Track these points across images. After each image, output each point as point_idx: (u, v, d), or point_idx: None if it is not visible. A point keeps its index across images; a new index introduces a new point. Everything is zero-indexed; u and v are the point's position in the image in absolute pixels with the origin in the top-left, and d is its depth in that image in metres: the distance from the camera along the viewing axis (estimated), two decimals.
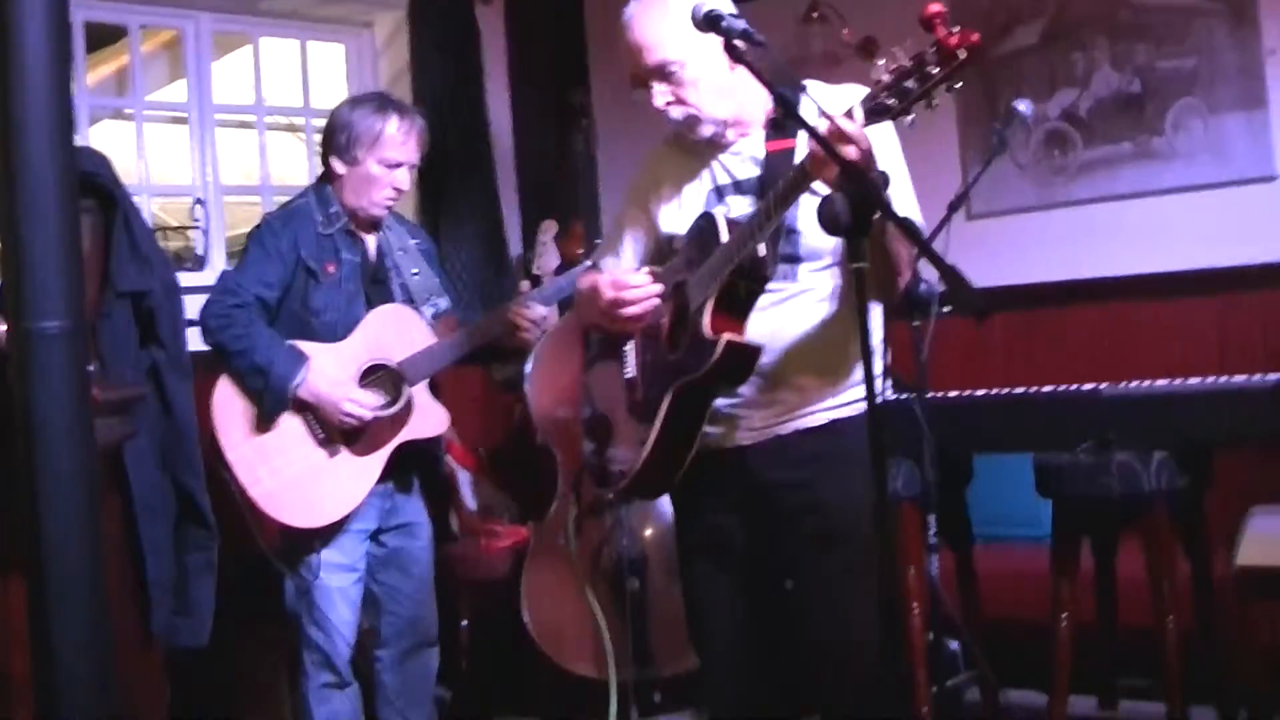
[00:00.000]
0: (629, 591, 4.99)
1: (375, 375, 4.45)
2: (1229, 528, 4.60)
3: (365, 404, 4.36)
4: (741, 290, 3.00)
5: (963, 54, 2.58)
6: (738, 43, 2.86)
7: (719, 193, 3.24)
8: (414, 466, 4.62)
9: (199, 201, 6.63)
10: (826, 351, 3.19)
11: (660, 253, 3.36)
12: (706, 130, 3.20)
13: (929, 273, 3.17)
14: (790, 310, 3.17)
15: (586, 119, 6.00)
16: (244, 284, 4.38)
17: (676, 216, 3.29)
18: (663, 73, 3.18)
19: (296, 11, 7.03)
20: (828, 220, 2.61)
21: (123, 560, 4.22)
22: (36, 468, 2.70)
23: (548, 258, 5.95)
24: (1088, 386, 4.37)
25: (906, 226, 2.66)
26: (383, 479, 4.44)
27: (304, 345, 4.36)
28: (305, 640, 4.44)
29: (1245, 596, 4.36)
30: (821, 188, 2.78)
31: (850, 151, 2.70)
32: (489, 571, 5.69)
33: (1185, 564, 4.55)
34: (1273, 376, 4.12)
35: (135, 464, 4.30)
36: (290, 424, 4.39)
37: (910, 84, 2.64)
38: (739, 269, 2.96)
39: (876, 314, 3.29)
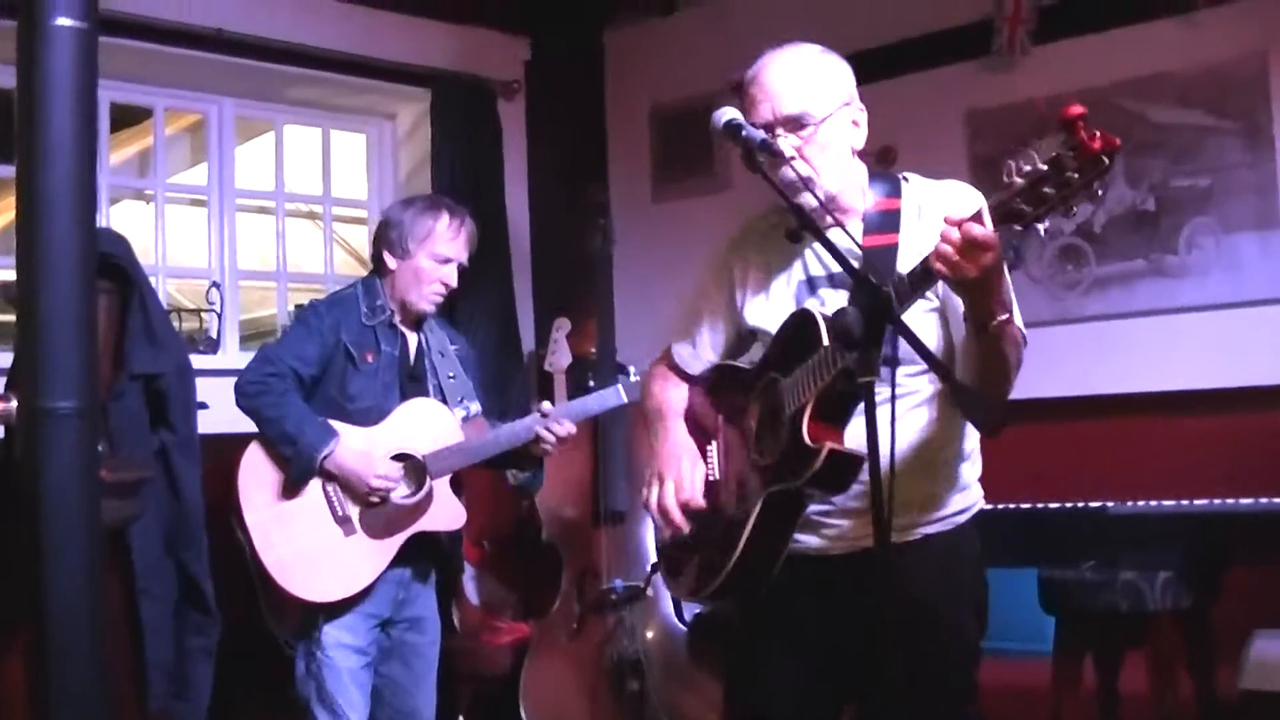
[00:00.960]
0: (628, 692, 4.96)
1: (400, 464, 4.47)
2: (1234, 648, 4.58)
3: (392, 477, 4.39)
4: (842, 394, 2.82)
5: (1105, 160, 2.38)
6: (759, 155, 2.83)
7: (810, 284, 3.08)
8: (429, 558, 4.62)
9: (215, 285, 6.67)
10: (922, 460, 3.05)
11: (741, 343, 3.26)
12: (813, 198, 2.96)
13: None
14: (886, 416, 3.00)
15: (604, 218, 6.02)
16: (283, 356, 4.45)
17: (763, 308, 3.14)
18: (798, 124, 3.01)
19: (320, 100, 7.10)
20: (839, 333, 2.58)
21: (122, 641, 4.21)
22: (42, 546, 2.70)
23: (560, 355, 5.96)
24: (1095, 503, 4.38)
25: (917, 342, 2.57)
26: (397, 565, 4.45)
27: (335, 424, 4.41)
28: None
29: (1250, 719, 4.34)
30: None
31: (987, 259, 2.53)
32: (489, 666, 5.66)
33: (1189, 683, 4.52)
34: None
35: (140, 545, 4.32)
36: (312, 497, 4.40)
37: (1048, 189, 2.43)
38: (843, 372, 2.75)
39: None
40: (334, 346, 4.47)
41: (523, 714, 5.16)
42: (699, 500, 3.08)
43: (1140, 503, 4.31)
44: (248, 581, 4.44)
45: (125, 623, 4.28)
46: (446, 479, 4.49)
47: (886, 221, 3.04)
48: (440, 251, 4.53)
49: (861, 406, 2.74)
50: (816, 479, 2.82)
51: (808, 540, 3.05)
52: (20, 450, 2.77)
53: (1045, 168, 2.43)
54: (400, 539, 4.42)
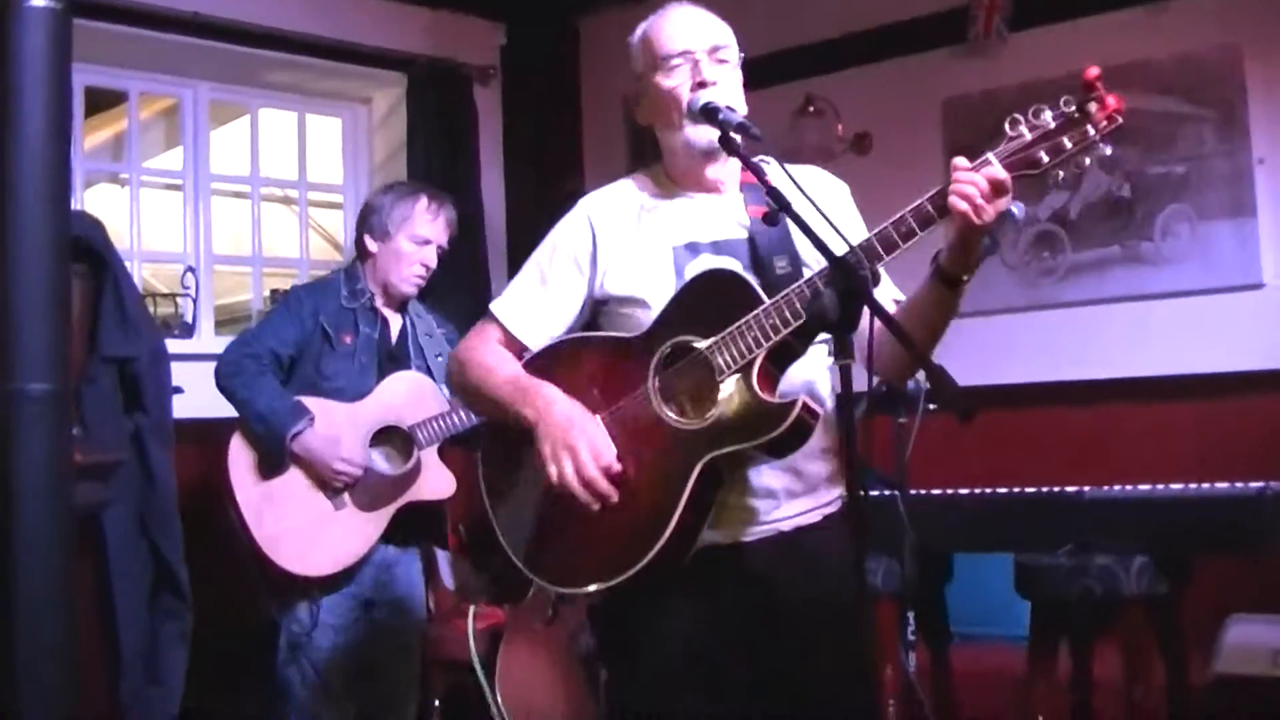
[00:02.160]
0: (601, 680, 4.95)
1: (387, 436, 4.56)
2: (1206, 634, 4.59)
3: (357, 463, 4.45)
4: (782, 352, 2.77)
5: (1119, 118, 2.57)
6: (734, 135, 2.82)
7: (692, 249, 2.97)
8: (417, 530, 4.68)
9: (190, 269, 6.64)
10: (829, 436, 2.98)
11: (594, 315, 3.09)
12: (705, 136, 2.91)
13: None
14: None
15: None
16: (261, 337, 4.56)
17: (634, 274, 3.00)
18: (718, 54, 2.97)
19: (295, 84, 7.07)
20: (815, 316, 2.54)
21: (94, 625, 4.20)
22: (13, 529, 2.69)
23: None
24: (1070, 489, 4.38)
25: (894, 324, 2.57)
26: (384, 542, 4.51)
27: (319, 402, 4.49)
28: (292, 702, 4.45)
29: (1222, 704, 4.35)
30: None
31: (1002, 203, 2.62)
32: (464, 651, 5.65)
33: (1161, 668, 4.54)
34: (1254, 484, 4.13)
35: (112, 529, 4.31)
36: (300, 474, 4.48)
37: (1067, 140, 2.59)
38: (803, 328, 2.72)
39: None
40: (312, 329, 4.56)
41: (497, 699, 5.16)
42: (617, 465, 2.82)
43: (1115, 488, 4.31)
44: (222, 566, 4.45)
45: (97, 607, 4.27)
46: (434, 449, 4.55)
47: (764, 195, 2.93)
48: (419, 233, 4.63)
49: (800, 367, 2.84)
50: (784, 437, 2.73)
51: (709, 534, 2.86)
52: None
53: (1074, 113, 2.58)
54: (390, 510, 4.50)
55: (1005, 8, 6.22)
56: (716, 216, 3.01)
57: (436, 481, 4.58)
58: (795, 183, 2.70)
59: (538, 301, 3.09)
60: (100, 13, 5.80)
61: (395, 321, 4.72)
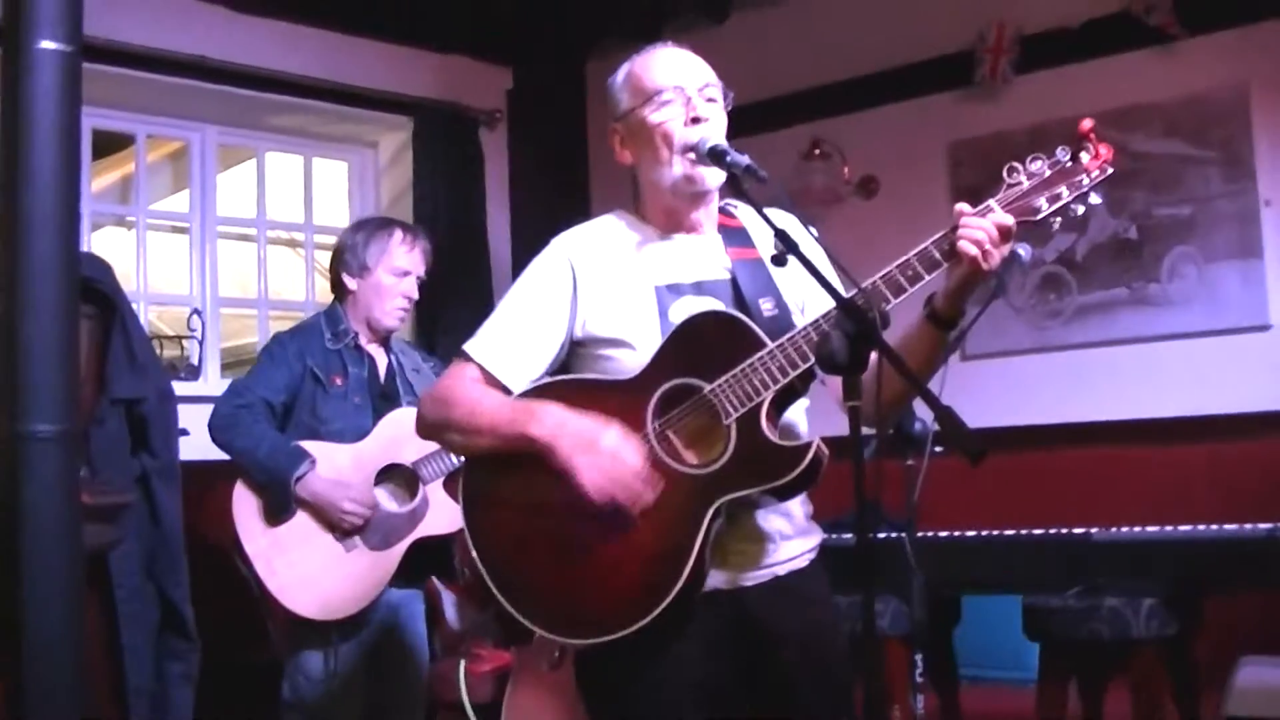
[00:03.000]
0: None
1: (391, 474, 4.53)
2: (1219, 674, 4.57)
3: (365, 503, 4.42)
4: (784, 396, 2.75)
5: (1110, 168, 2.69)
6: (742, 179, 2.80)
7: (674, 290, 2.92)
8: (425, 568, 4.65)
9: (196, 312, 6.66)
10: None
11: (570, 357, 3.00)
12: (712, 178, 2.88)
13: (924, 412, 3.14)
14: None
15: None
16: (251, 387, 4.51)
17: (616, 315, 2.92)
18: (707, 92, 2.93)
19: (302, 128, 7.10)
20: (824, 358, 2.53)
21: (102, 666, 4.19)
22: (23, 569, 2.69)
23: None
24: (1078, 530, 4.37)
25: (901, 365, 2.58)
26: (396, 582, 4.48)
27: (320, 446, 4.45)
28: None
29: None
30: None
31: (1006, 249, 2.67)
32: (471, 694, 5.63)
33: (1173, 711, 4.51)
34: (1264, 525, 4.12)
35: (120, 570, 4.30)
36: (307, 518, 4.44)
37: (1062, 189, 2.69)
38: (809, 371, 2.71)
39: None
40: (301, 373, 4.53)
41: None
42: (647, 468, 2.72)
43: (1123, 529, 4.31)
44: (228, 607, 4.44)
45: (105, 648, 4.26)
46: (439, 482, 4.52)
47: (740, 237, 2.99)
48: (398, 265, 4.61)
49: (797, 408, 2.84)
50: (799, 479, 2.71)
51: (710, 578, 2.79)
52: (1, 474, 2.75)
53: (1068, 161, 2.68)
54: (402, 548, 4.48)
55: (1011, 51, 6.24)
56: (697, 257, 2.97)
57: (444, 516, 4.54)
58: (774, 228, 2.69)
59: (516, 342, 2.97)
60: (108, 56, 5.83)
61: (381, 359, 4.70)
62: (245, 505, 4.44)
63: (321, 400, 4.52)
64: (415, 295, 4.68)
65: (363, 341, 4.64)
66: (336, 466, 4.43)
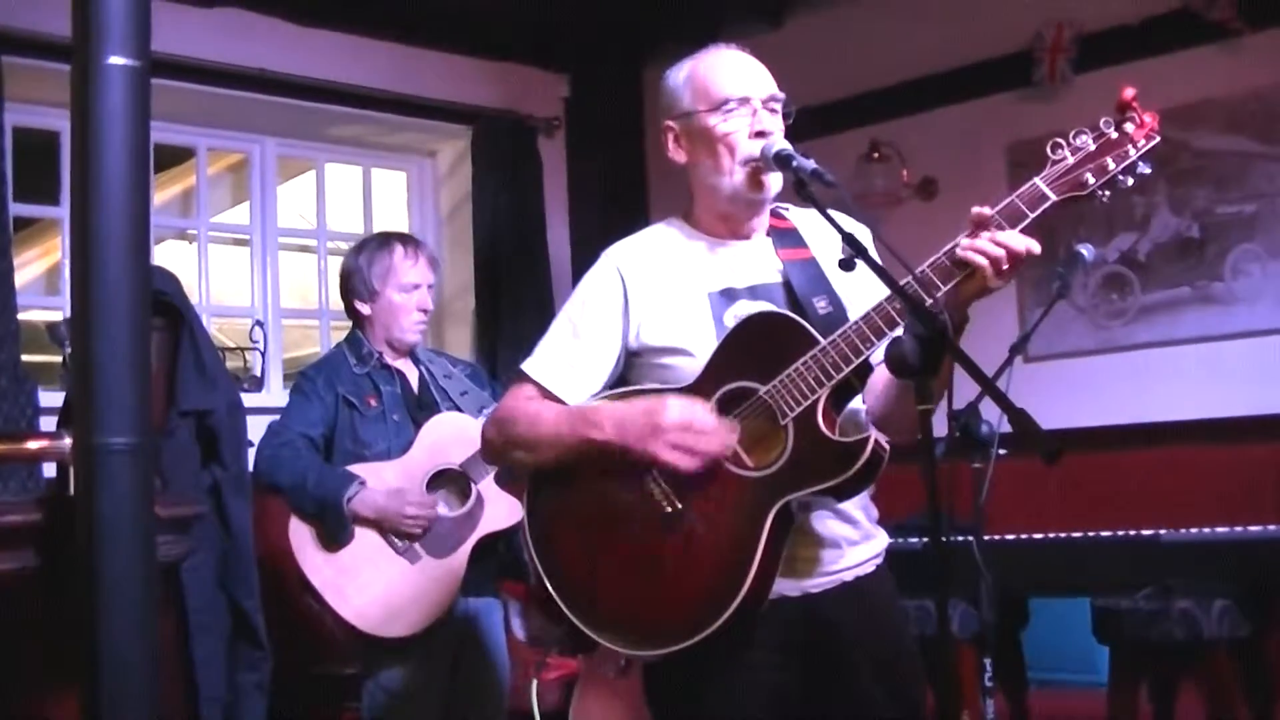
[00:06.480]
0: None
1: (441, 480, 4.50)
2: None
3: (427, 504, 4.39)
4: (840, 391, 2.74)
5: (1157, 136, 2.69)
6: (808, 183, 2.79)
7: (727, 295, 2.92)
8: (494, 567, 4.64)
9: (258, 323, 6.70)
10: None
11: (628, 368, 3.01)
12: (774, 186, 2.90)
13: (990, 413, 3.12)
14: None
15: None
16: (289, 426, 4.48)
17: (673, 323, 2.93)
18: (772, 104, 2.94)
19: (361, 138, 7.14)
20: (895, 362, 2.52)
21: (175, 676, 4.22)
22: (98, 581, 2.71)
23: None
24: (1147, 531, 4.34)
25: (973, 368, 2.56)
26: (463, 592, 4.44)
27: (365, 466, 4.42)
28: None
29: None
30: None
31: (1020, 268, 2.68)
32: (538, 702, 5.63)
33: (1246, 712, 4.48)
34: None
35: (192, 581, 4.33)
36: (368, 538, 4.40)
37: (1109, 161, 2.68)
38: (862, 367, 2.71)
39: None
40: (334, 403, 4.51)
41: None
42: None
43: (1193, 530, 4.27)
44: (298, 617, 4.44)
45: (178, 658, 4.29)
46: (490, 478, 4.50)
47: (792, 238, 2.99)
48: (406, 281, 4.58)
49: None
50: (859, 475, 2.68)
51: (778, 585, 2.78)
52: (77, 486, 2.77)
53: (1113, 133, 2.68)
54: (466, 549, 4.44)
55: (1070, 50, 6.21)
56: (749, 262, 2.97)
57: (502, 510, 4.51)
58: (842, 232, 2.70)
59: (572, 357, 2.99)
60: (169, 70, 5.86)
61: (411, 372, 4.67)
62: (302, 538, 4.41)
63: (360, 424, 4.50)
64: (430, 305, 4.66)
65: (389, 360, 4.61)
66: (386, 481, 4.40)
